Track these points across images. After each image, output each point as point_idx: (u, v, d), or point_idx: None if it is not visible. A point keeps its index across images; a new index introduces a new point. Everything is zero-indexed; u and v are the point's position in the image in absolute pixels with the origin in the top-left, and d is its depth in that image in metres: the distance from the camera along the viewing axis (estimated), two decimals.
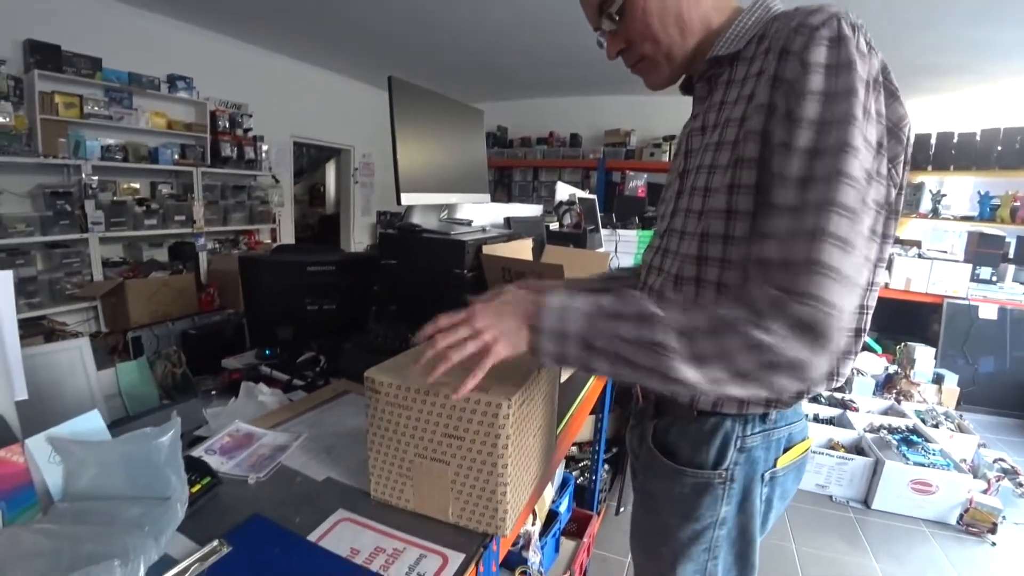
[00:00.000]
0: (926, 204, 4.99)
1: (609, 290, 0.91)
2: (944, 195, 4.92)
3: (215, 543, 0.67)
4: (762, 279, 0.60)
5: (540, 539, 1.59)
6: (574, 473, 2.20)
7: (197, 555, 0.65)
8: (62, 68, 3.58)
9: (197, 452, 0.90)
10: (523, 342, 0.68)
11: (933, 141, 4.90)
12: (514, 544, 1.49)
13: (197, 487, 0.76)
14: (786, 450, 0.80)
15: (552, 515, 1.79)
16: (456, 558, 0.69)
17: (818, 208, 0.57)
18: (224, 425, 1.00)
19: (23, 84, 3.45)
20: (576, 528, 2.03)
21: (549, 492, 1.76)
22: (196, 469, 0.79)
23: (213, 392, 1.32)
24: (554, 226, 2.30)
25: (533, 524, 1.56)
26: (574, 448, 2.37)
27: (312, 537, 0.71)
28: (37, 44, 3.48)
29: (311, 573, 0.65)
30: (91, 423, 0.72)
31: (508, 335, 0.68)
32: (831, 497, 2.74)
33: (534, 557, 1.50)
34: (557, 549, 1.87)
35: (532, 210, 2.38)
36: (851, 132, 0.58)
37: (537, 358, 0.67)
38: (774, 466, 0.79)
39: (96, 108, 3.78)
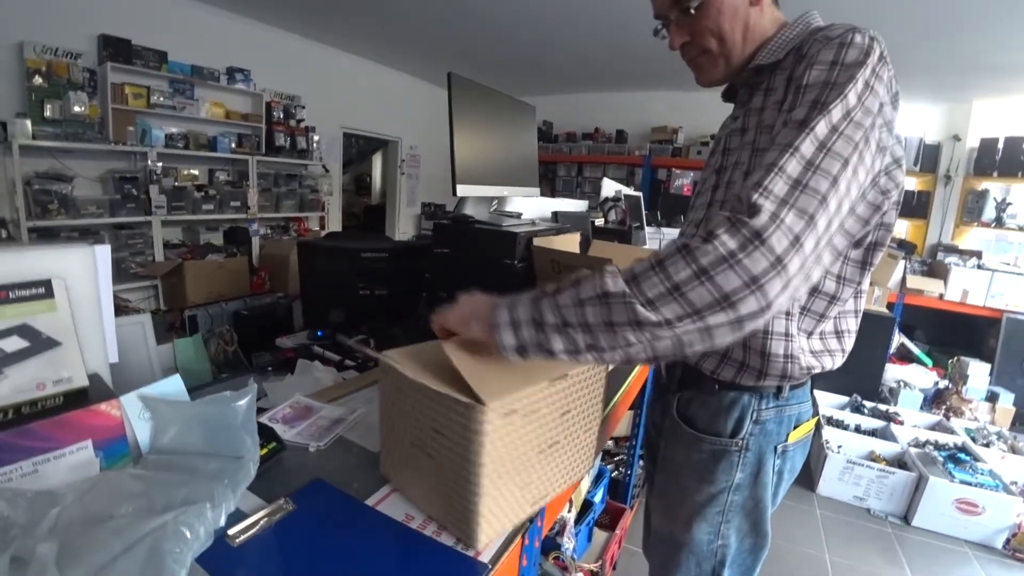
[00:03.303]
0: (989, 213, 4.74)
1: None
2: (1010, 203, 4.67)
3: (281, 501, 0.73)
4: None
5: (575, 526, 1.62)
6: (609, 466, 2.22)
7: (266, 511, 0.71)
8: (132, 61, 3.79)
9: (262, 420, 0.96)
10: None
11: (1000, 146, 4.63)
12: (550, 529, 1.53)
13: (265, 450, 0.82)
14: (796, 427, 0.88)
15: (587, 504, 1.82)
16: None
17: (781, 150, 0.61)
18: (282, 398, 1.07)
19: (97, 76, 3.67)
20: (609, 520, 2.05)
21: (585, 482, 1.78)
22: (264, 434, 0.85)
23: (269, 368, 1.40)
24: (599, 222, 2.32)
25: (569, 511, 1.59)
26: (611, 443, 2.38)
27: (369, 502, 0.76)
28: (110, 38, 3.68)
29: (370, 533, 0.70)
30: (175, 386, 0.79)
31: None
32: (869, 510, 2.66)
33: (568, 543, 1.53)
34: (590, 539, 1.89)
35: (578, 205, 2.41)
36: (837, 108, 0.62)
37: (501, 353, 0.65)
38: (786, 440, 0.86)
39: (161, 99, 3.99)
